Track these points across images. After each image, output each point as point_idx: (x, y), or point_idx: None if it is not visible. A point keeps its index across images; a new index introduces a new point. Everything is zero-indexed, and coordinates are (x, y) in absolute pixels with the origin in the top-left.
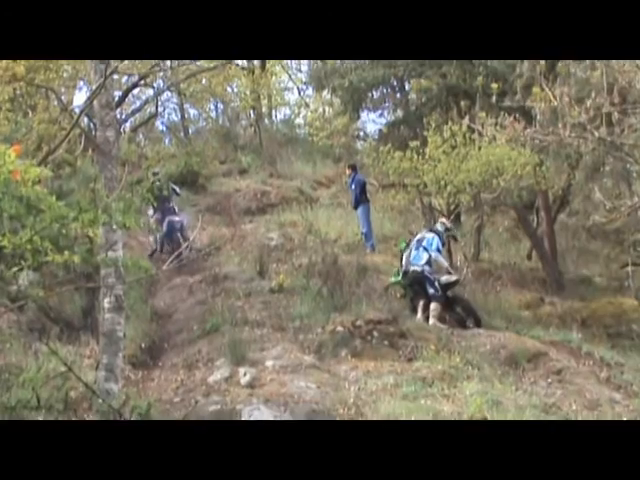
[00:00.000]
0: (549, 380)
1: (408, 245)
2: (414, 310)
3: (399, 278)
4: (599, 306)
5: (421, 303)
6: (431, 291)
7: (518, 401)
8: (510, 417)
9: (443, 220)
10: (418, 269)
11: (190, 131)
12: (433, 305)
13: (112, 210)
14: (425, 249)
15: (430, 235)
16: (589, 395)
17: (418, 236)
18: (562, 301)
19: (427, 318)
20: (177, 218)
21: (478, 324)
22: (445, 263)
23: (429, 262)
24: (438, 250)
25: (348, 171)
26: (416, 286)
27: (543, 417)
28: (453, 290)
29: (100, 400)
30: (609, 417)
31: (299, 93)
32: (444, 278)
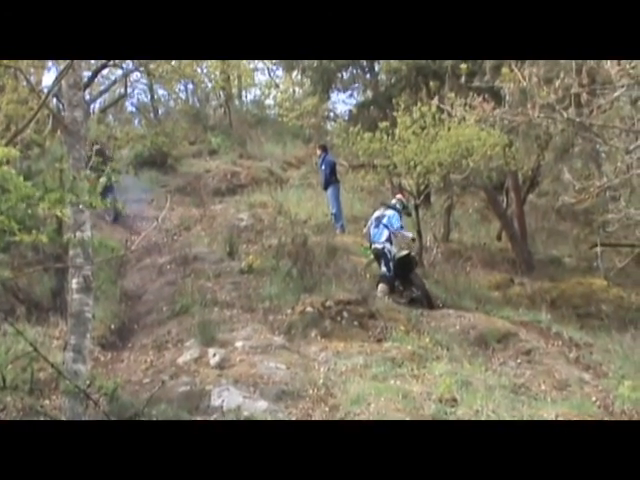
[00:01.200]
0: (518, 360)
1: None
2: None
3: (369, 252)
4: (568, 286)
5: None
6: (383, 269)
7: (487, 381)
8: (479, 397)
9: (399, 196)
10: (379, 246)
11: (160, 112)
12: (380, 286)
13: (79, 190)
14: (385, 226)
15: (389, 212)
16: (558, 375)
17: (376, 214)
18: (532, 282)
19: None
20: None
21: (430, 306)
22: (409, 235)
23: (389, 239)
24: (401, 227)
25: (318, 151)
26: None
27: (512, 397)
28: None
29: (67, 381)
30: (578, 397)
31: (269, 74)
32: (399, 253)
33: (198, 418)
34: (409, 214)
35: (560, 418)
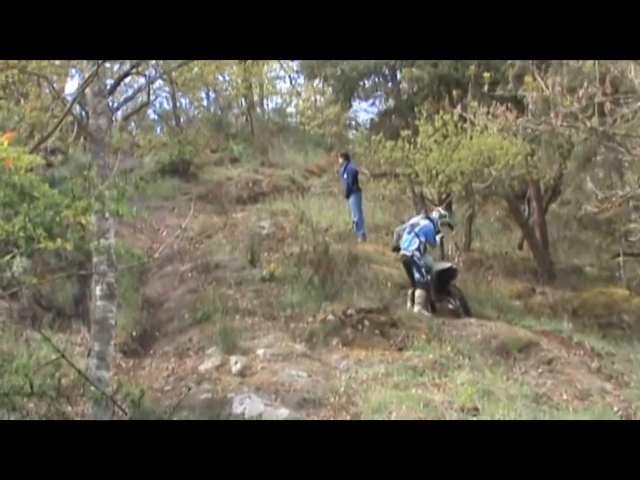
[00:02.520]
0: (540, 370)
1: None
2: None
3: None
4: (590, 296)
5: (409, 292)
6: (416, 276)
7: (509, 391)
8: (501, 407)
9: (439, 209)
10: (408, 254)
11: (182, 120)
12: (418, 292)
13: (105, 198)
14: (417, 235)
15: (425, 222)
16: (580, 385)
17: (412, 221)
18: (553, 291)
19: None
20: None
21: (468, 314)
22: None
23: (419, 248)
24: (434, 238)
25: (341, 160)
26: (405, 271)
27: (534, 407)
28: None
29: (92, 387)
30: (600, 407)
31: (291, 82)
32: (439, 265)
33: None
34: (450, 225)
35: None
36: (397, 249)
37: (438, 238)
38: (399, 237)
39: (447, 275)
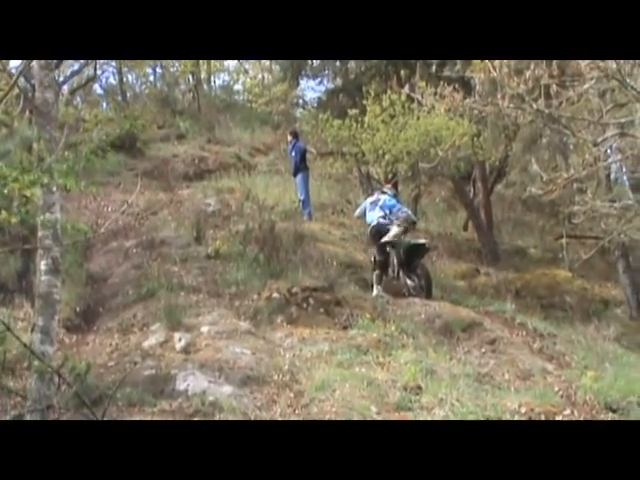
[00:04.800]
0: (483, 350)
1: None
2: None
3: None
4: (533, 277)
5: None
6: (385, 239)
7: (452, 370)
8: (444, 386)
9: (389, 186)
10: (374, 223)
11: (128, 95)
12: (375, 272)
13: (54, 171)
14: (381, 208)
15: (383, 196)
16: (522, 365)
17: (370, 199)
18: (497, 272)
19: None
20: None
21: (428, 296)
22: (408, 212)
23: (384, 216)
24: (400, 209)
25: (289, 137)
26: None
27: (476, 386)
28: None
29: (36, 362)
30: (541, 387)
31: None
32: (411, 240)
33: (163, 402)
34: (415, 223)
35: (523, 408)
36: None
37: (406, 209)
38: (363, 214)
39: (418, 251)
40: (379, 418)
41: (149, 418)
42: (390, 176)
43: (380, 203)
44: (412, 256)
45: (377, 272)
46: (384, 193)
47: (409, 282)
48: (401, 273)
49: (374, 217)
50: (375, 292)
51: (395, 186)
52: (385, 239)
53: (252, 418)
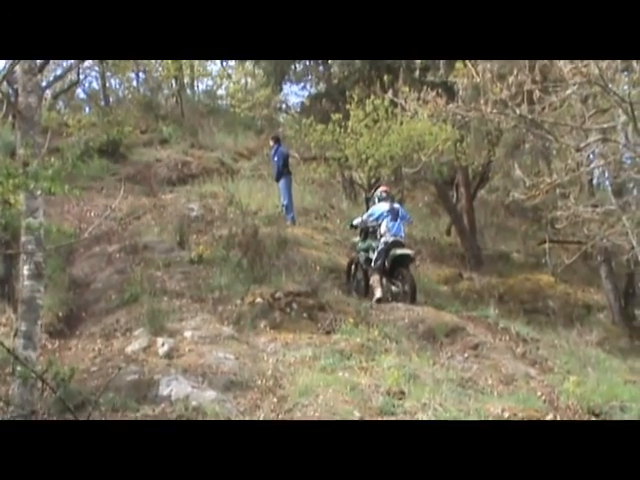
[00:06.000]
0: (466, 355)
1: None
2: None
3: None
4: (516, 282)
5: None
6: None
7: (435, 375)
8: (427, 391)
9: (384, 188)
10: (400, 233)
11: (111, 100)
12: (375, 277)
13: (40, 176)
14: (401, 218)
15: (397, 205)
16: (505, 370)
17: (386, 206)
18: (480, 277)
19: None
20: None
21: (412, 301)
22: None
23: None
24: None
25: (271, 142)
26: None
27: (460, 391)
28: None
29: (19, 368)
30: (524, 392)
31: (222, 64)
32: (398, 250)
33: (146, 407)
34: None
35: (506, 412)
36: (353, 227)
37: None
38: (373, 221)
39: (403, 261)
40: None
41: None
42: (373, 181)
43: (400, 214)
44: (397, 265)
45: (377, 277)
46: (390, 199)
47: (393, 288)
48: (384, 280)
49: (401, 229)
50: (379, 295)
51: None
52: (407, 251)
53: None
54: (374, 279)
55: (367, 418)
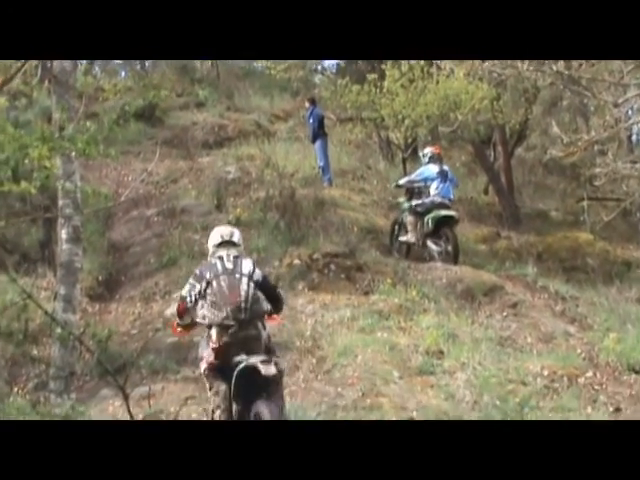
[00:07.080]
0: (505, 313)
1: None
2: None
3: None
4: (555, 240)
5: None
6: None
7: (474, 334)
8: (466, 350)
9: (431, 148)
10: (450, 196)
11: (147, 64)
12: (410, 218)
13: (77, 140)
14: (451, 181)
15: (446, 167)
16: (544, 328)
17: (436, 168)
18: (518, 235)
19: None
20: None
21: (455, 261)
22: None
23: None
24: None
25: (307, 104)
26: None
27: (498, 350)
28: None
29: (59, 329)
30: (563, 350)
31: None
32: (442, 211)
33: (186, 369)
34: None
35: (545, 370)
36: (399, 186)
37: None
38: (421, 182)
39: (447, 223)
40: (402, 382)
41: (172, 385)
42: (410, 141)
43: (449, 176)
44: (440, 226)
45: (412, 219)
46: (440, 160)
47: (435, 247)
48: (428, 240)
49: (450, 191)
50: (412, 239)
51: (415, 152)
52: (452, 213)
53: None
54: (409, 220)
55: (406, 378)
